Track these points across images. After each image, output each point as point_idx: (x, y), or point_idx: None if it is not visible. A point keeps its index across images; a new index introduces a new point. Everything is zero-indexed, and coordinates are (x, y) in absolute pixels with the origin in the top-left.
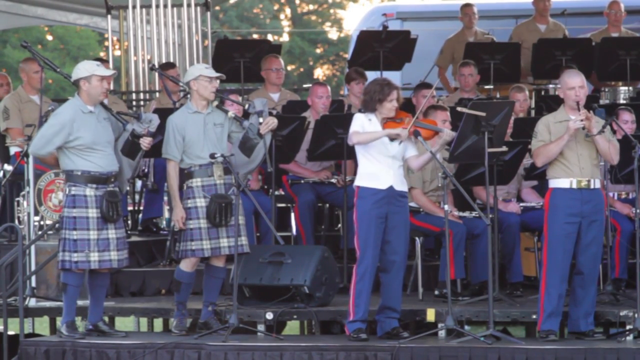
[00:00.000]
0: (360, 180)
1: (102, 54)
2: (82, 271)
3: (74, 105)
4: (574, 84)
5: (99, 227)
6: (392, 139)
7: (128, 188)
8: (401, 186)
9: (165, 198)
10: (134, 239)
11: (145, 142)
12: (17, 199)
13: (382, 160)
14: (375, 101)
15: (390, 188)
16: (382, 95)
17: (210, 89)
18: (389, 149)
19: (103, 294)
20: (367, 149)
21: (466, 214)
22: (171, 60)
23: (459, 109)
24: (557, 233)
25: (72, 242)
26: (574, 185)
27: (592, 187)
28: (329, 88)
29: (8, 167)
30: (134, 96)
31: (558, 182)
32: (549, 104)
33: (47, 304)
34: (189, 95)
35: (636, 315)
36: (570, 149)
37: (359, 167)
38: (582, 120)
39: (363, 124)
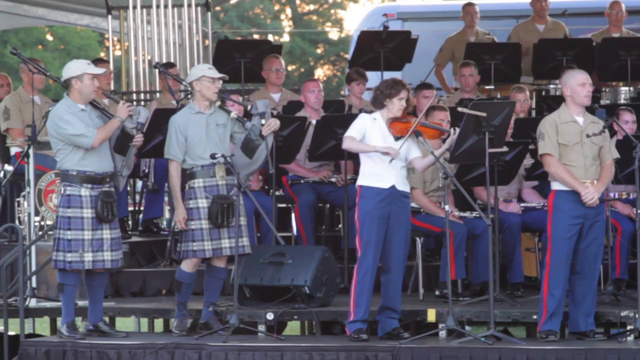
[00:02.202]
0: (363, 180)
1: (102, 54)
2: (77, 271)
3: (65, 105)
4: (584, 79)
5: (94, 227)
6: (396, 139)
7: (129, 188)
8: (403, 186)
9: (166, 198)
10: (134, 239)
11: (137, 141)
12: (17, 199)
13: (385, 159)
14: (385, 96)
15: (393, 188)
16: (394, 91)
17: (213, 89)
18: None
19: (101, 294)
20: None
21: (467, 214)
22: (172, 60)
23: (459, 109)
24: (561, 234)
25: (66, 242)
26: None
27: None
28: (320, 83)
29: (9, 168)
30: (134, 96)
31: (561, 184)
32: (550, 104)
33: (48, 304)
34: (190, 96)
35: (637, 315)
36: (577, 152)
37: (362, 167)
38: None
39: (364, 129)
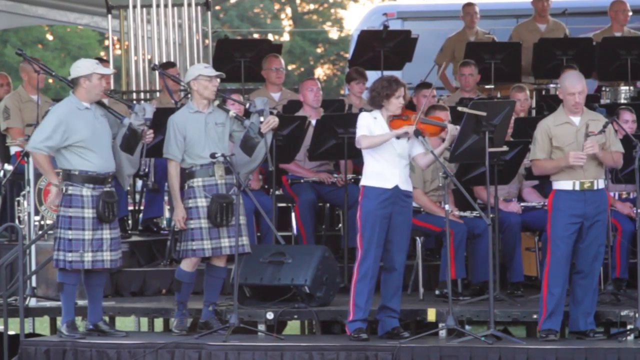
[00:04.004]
0: (366, 180)
1: (102, 54)
2: (77, 270)
3: (69, 102)
4: (573, 90)
5: (94, 227)
6: (397, 137)
7: (129, 188)
8: (406, 186)
9: (166, 198)
10: (134, 238)
11: (147, 137)
12: (17, 198)
13: (388, 158)
14: (382, 97)
15: (396, 187)
16: (390, 91)
17: (211, 88)
18: (396, 147)
19: (100, 294)
20: (373, 148)
21: (467, 213)
22: (172, 60)
23: (459, 108)
24: (560, 234)
25: (66, 241)
26: (577, 187)
27: (595, 188)
28: (318, 82)
29: (8, 167)
30: (134, 96)
31: (561, 184)
32: (550, 103)
33: (48, 303)
34: (189, 95)
35: (637, 315)
36: (575, 152)
37: (365, 166)
38: (582, 158)
39: (369, 125)
